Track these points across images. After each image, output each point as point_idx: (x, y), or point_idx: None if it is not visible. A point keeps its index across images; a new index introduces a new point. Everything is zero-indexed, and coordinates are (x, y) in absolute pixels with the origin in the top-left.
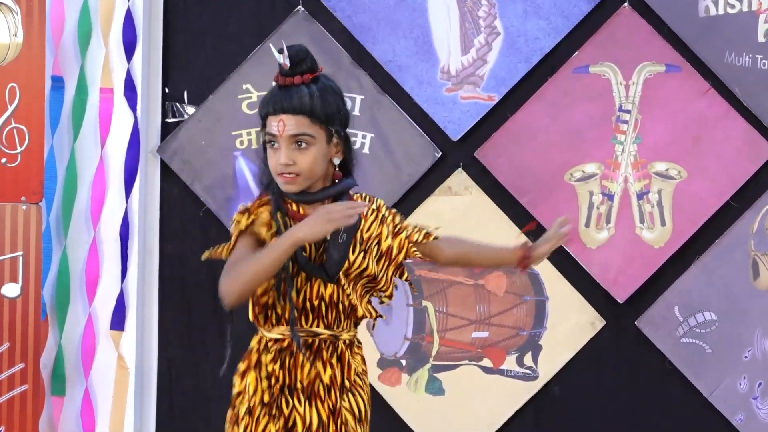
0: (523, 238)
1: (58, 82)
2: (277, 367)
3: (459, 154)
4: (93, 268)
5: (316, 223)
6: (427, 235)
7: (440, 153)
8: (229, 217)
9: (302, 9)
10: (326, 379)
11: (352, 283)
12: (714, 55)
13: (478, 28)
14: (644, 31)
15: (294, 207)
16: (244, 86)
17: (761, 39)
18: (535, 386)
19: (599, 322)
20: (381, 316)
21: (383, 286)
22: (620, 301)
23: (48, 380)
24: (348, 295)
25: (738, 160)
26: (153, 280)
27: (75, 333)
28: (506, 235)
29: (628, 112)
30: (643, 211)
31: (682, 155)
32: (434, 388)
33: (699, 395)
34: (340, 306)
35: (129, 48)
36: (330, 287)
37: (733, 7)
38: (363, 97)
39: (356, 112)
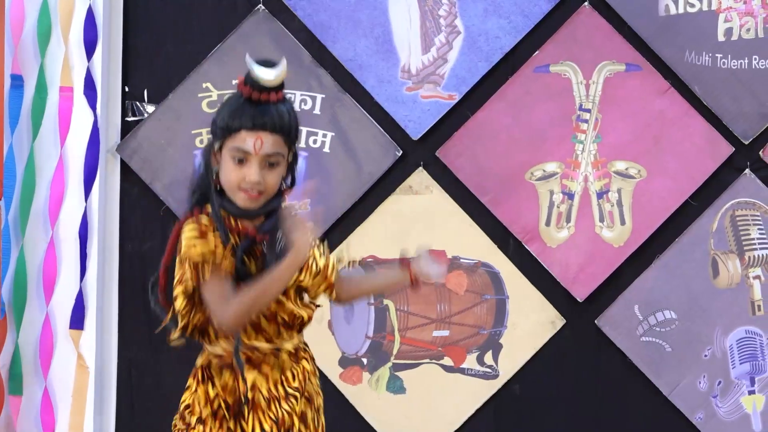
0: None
1: (17, 81)
2: (219, 382)
3: (420, 153)
4: (50, 267)
5: (306, 246)
6: (329, 290)
7: (401, 152)
8: None
9: (263, 8)
10: (264, 392)
11: (290, 294)
12: (674, 54)
13: (439, 27)
14: (604, 31)
15: (232, 221)
16: (204, 85)
17: (721, 38)
18: (495, 385)
19: (559, 321)
20: (319, 306)
21: (312, 296)
22: (580, 300)
23: (5, 380)
24: (289, 310)
25: (698, 159)
26: (113, 279)
27: (32, 332)
28: (467, 233)
29: (589, 111)
30: (603, 210)
31: (642, 154)
32: (395, 386)
33: (659, 394)
34: (279, 319)
35: (89, 46)
36: (273, 303)
37: (692, 6)
38: (323, 95)
39: (317, 111)
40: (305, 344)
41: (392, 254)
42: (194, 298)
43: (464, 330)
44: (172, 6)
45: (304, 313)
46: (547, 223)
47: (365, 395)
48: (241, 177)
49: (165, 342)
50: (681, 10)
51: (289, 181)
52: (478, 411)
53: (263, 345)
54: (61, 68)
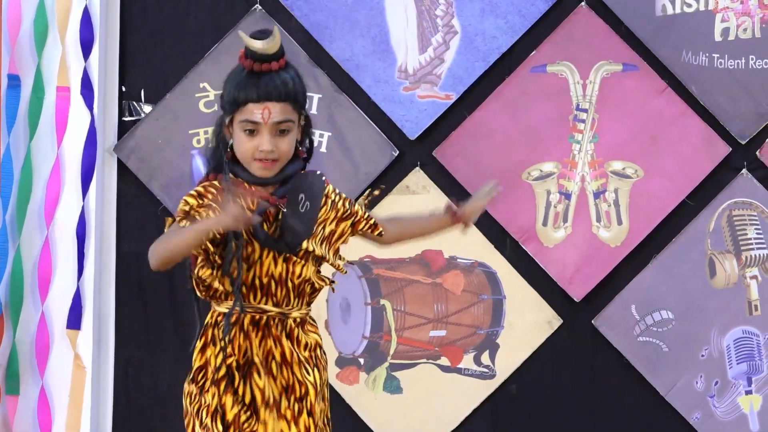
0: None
1: (14, 81)
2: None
3: (416, 153)
4: (45, 267)
5: (224, 219)
6: (373, 227)
7: (397, 152)
8: None
9: (260, 7)
10: (277, 356)
11: (303, 260)
12: (671, 54)
13: (436, 27)
14: (601, 30)
15: (247, 186)
16: (201, 85)
17: (718, 38)
18: (492, 385)
19: (556, 321)
20: (334, 282)
21: (334, 265)
22: (577, 300)
23: (2, 379)
24: (299, 274)
25: (695, 159)
26: (110, 278)
27: (29, 332)
28: (464, 233)
29: (585, 111)
30: (600, 210)
31: (639, 154)
32: (392, 386)
33: (656, 394)
34: (289, 284)
35: (86, 46)
36: (280, 265)
37: (689, 6)
38: (320, 95)
39: (314, 111)
40: (312, 319)
41: (389, 254)
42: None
43: (461, 330)
44: (168, 6)
45: (315, 280)
46: (544, 223)
47: (362, 395)
48: (254, 147)
49: (162, 341)
50: (678, 10)
51: (306, 143)
52: (475, 411)
53: (271, 308)
54: (58, 68)
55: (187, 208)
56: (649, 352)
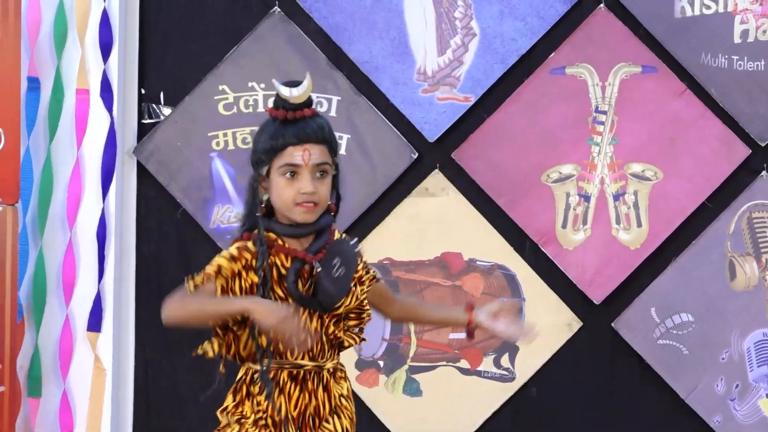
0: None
1: (34, 83)
2: (263, 398)
3: (435, 155)
4: (70, 270)
5: (270, 317)
6: (375, 281)
7: (417, 154)
8: (207, 218)
9: (278, 10)
10: (311, 409)
11: (335, 318)
12: (690, 56)
13: (455, 29)
14: (620, 32)
15: (280, 242)
16: (221, 87)
17: (737, 40)
18: (512, 387)
19: (576, 324)
20: (364, 340)
21: (358, 322)
22: (597, 303)
23: (24, 381)
24: (332, 331)
25: (714, 161)
26: (130, 281)
27: (51, 334)
28: (483, 236)
29: (605, 113)
30: (620, 213)
31: (658, 156)
32: (412, 389)
33: (676, 397)
34: (324, 338)
35: (105, 49)
36: (315, 321)
37: (708, 8)
38: (339, 98)
39: (332, 113)
40: (341, 365)
41: (408, 257)
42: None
43: (481, 332)
44: (187, 8)
45: (345, 340)
46: (564, 226)
47: (382, 398)
48: (296, 191)
49: (181, 344)
50: (697, 12)
51: (334, 197)
52: (494, 414)
53: (307, 363)
54: (77, 71)
55: (214, 270)
56: (669, 355)
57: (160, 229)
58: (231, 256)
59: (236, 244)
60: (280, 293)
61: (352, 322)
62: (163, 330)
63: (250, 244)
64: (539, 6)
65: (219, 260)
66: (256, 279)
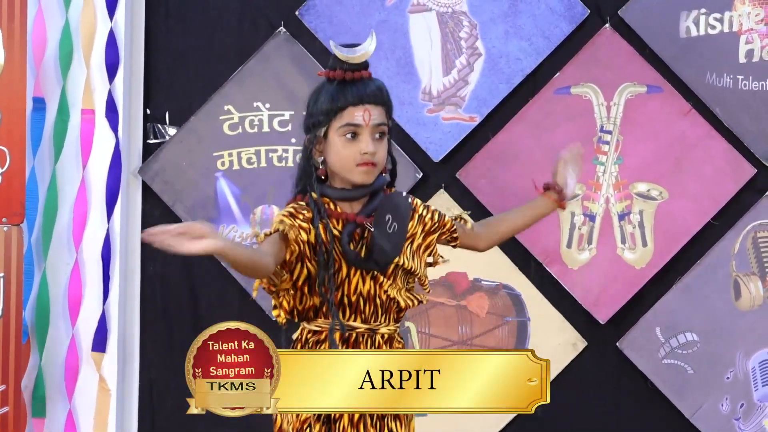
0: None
1: (39, 104)
2: None
3: (441, 174)
4: (75, 290)
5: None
6: (462, 226)
7: (421, 174)
8: None
9: (284, 30)
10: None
11: (391, 278)
12: (695, 75)
13: (460, 49)
14: (625, 52)
15: (332, 206)
16: (226, 107)
17: (742, 60)
18: None
19: (581, 343)
20: (422, 302)
21: (420, 278)
22: (602, 322)
23: (29, 402)
24: (385, 291)
25: (719, 181)
26: (134, 301)
27: (56, 355)
28: (488, 255)
29: (610, 132)
30: (625, 232)
31: (664, 176)
32: None
33: (681, 416)
34: (377, 300)
35: (111, 69)
36: (368, 283)
37: (713, 28)
38: None
39: None
40: (400, 336)
41: None
42: (292, 275)
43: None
44: (193, 28)
45: (401, 300)
46: (569, 245)
47: None
48: (356, 151)
49: (185, 364)
50: (702, 32)
51: (389, 160)
52: None
53: (359, 325)
54: (82, 91)
55: (278, 222)
56: (674, 375)
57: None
58: (289, 213)
59: (291, 204)
60: (335, 255)
61: (408, 283)
62: (168, 350)
63: (304, 204)
64: (544, 26)
65: (280, 216)
66: (312, 238)
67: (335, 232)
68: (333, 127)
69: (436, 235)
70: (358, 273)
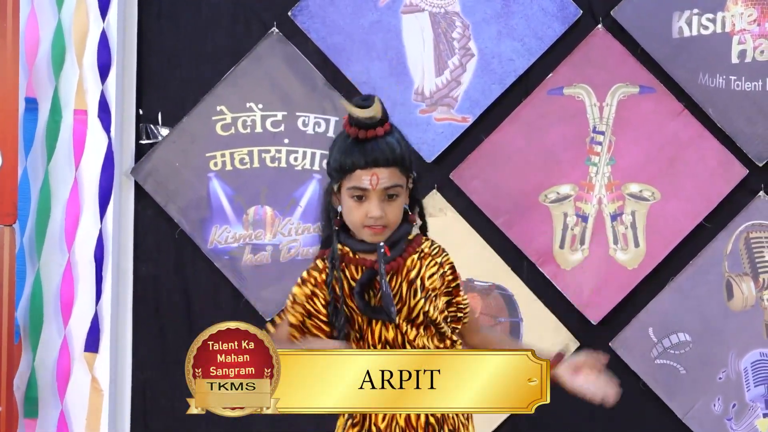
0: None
1: (31, 104)
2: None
3: (433, 175)
4: (68, 290)
5: None
6: (458, 319)
7: (414, 174)
8: (204, 238)
9: (276, 30)
10: (401, 421)
11: (419, 327)
12: (688, 76)
13: (452, 50)
14: (618, 53)
15: (351, 254)
16: (218, 108)
17: (734, 60)
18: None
19: (573, 344)
20: (456, 341)
21: (461, 307)
22: (594, 323)
23: (21, 402)
24: (411, 340)
25: (712, 182)
26: (127, 301)
27: (48, 355)
28: (481, 256)
29: (602, 133)
30: (617, 233)
31: (656, 176)
32: None
33: (673, 416)
34: (408, 347)
35: (103, 69)
36: (392, 331)
37: (706, 28)
38: (337, 118)
39: (330, 134)
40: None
41: None
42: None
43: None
44: (185, 29)
45: (434, 345)
46: (561, 246)
47: None
48: (363, 214)
49: (179, 364)
50: (695, 33)
51: (416, 210)
52: None
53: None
54: (75, 91)
55: (290, 302)
56: (666, 375)
57: (158, 249)
58: (302, 279)
59: (311, 265)
60: (353, 305)
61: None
62: (160, 350)
63: (319, 262)
64: (537, 27)
65: (294, 289)
66: (328, 296)
67: (351, 283)
68: (343, 186)
69: (444, 300)
70: (380, 322)
